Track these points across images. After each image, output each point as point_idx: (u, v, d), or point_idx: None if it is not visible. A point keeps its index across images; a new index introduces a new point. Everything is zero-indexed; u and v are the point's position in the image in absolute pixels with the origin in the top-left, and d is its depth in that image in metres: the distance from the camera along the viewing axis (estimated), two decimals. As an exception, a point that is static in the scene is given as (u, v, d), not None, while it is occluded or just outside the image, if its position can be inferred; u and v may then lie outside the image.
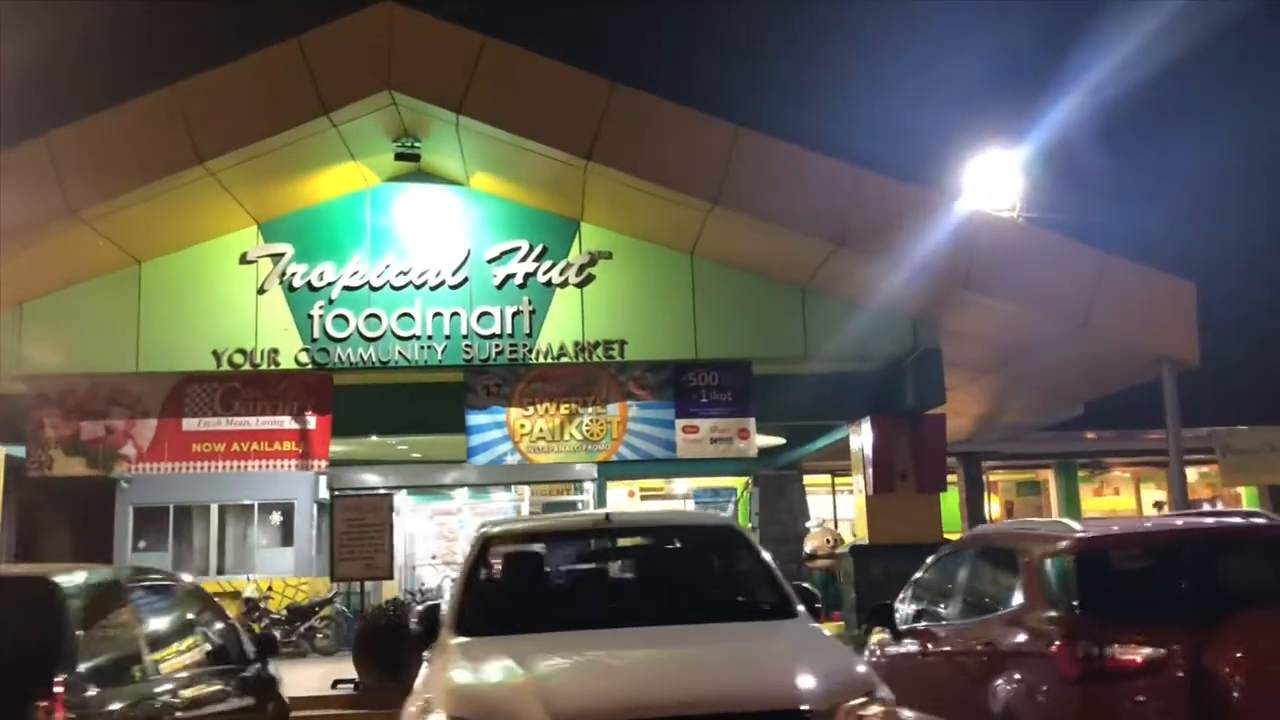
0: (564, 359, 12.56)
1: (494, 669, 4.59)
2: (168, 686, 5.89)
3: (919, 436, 13.40)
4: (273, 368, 12.33)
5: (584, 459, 13.04)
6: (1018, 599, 6.26)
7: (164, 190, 11.26)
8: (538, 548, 6.08)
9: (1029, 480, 22.92)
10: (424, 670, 5.16)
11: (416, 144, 11.96)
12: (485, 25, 11.64)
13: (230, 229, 12.45)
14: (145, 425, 12.43)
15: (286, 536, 19.15)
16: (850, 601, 13.49)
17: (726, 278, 12.75)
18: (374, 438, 15.32)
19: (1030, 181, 18.03)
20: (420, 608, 5.69)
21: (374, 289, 12.49)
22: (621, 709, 4.14)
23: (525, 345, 12.55)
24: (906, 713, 5.83)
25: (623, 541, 6.26)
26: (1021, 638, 6.05)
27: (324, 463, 12.60)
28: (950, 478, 21.49)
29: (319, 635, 16.93)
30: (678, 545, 6.22)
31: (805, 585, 6.00)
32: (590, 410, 12.82)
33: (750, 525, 20.89)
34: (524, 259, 12.63)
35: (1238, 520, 6.47)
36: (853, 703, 4.30)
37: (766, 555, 5.90)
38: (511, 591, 5.82)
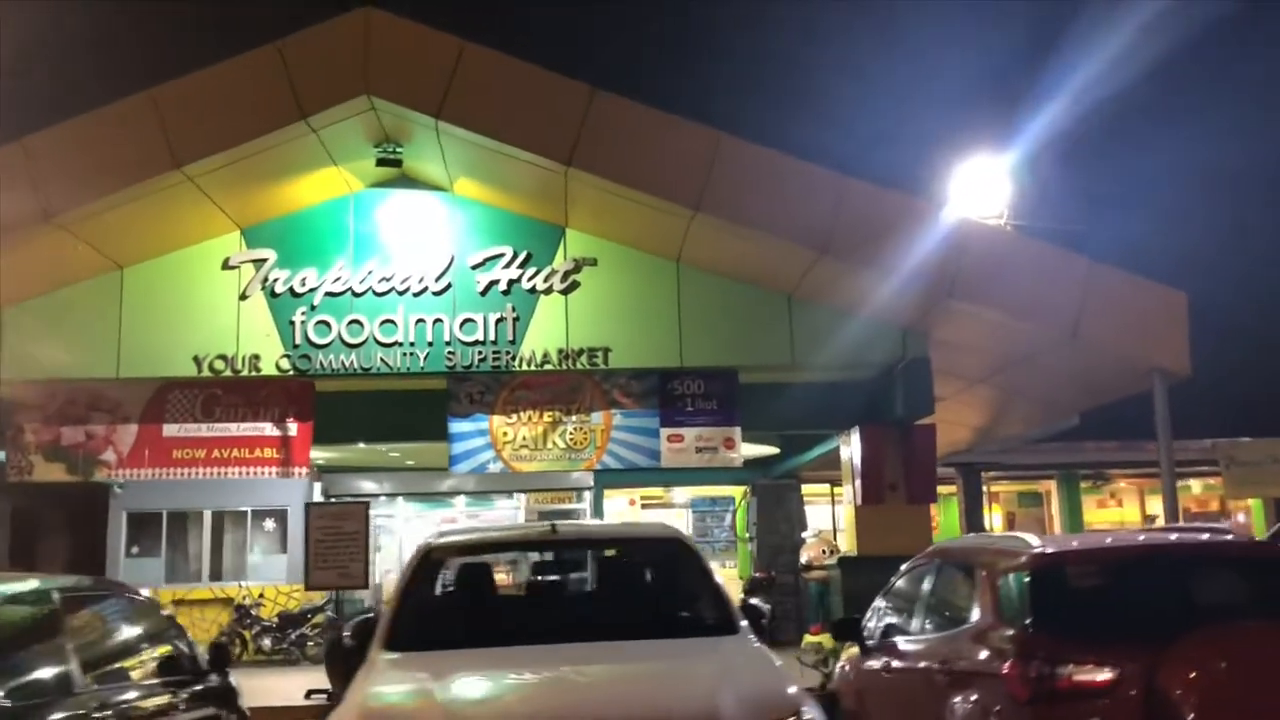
0: (547, 366, 12.45)
1: (408, 688, 4.48)
2: (106, 701, 5.77)
3: (909, 447, 13.23)
4: (254, 374, 12.27)
5: (567, 467, 12.92)
6: (975, 616, 6.09)
7: (142, 195, 11.21)
8: (480, 560, 5.96)
9: (1031, 491, 22.68)
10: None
11: (398, 149, 11.88)
12: (466, 30, 11.57)
13: (213, 234, 12.40)
14: (126, 431, 12.38)
15: (280, 543, 19.05)
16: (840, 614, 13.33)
17: (712, 285, 12.62)
18: (361, 444, 15.23)
19: (1018, 188, 17.86)
20: (354, 621, 5.56)
21: (356, 295, 12.41)
22: None
23: (509, 352, 12.44)
24: None
25: (569, 554, 6.14)
26: (976, 656, 5.88)
27: (305, 469, 12.54)
28: (950, 489, 21.40)
29: (310, 643, 16.83)
30: (624, 558, 6.09)
31: (753, 601, 5.85)
32: (574, 418, 12.70)
33: (748, 535, 20.72)
34: (508, 265, 12.53)
35: (1200, 537, 6.29)
36: None
37: (713, 569, 5.76)
38: (449, 605, 5.71)
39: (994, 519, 22.16)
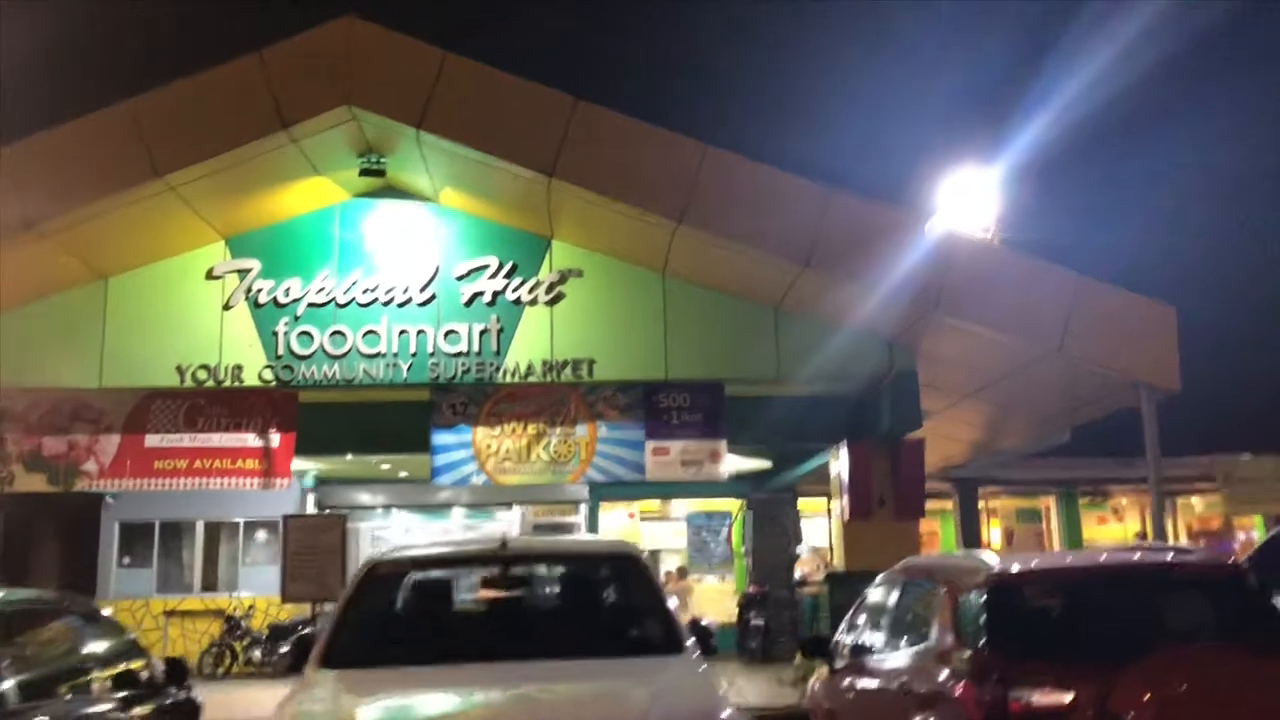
0: (531, 378, 12.37)
1: (331, 707, 4.38)
2: (45, 717, 5.69)
3: (897, 461, 13.10)
4: (236, 384, 12.22)
5: (551, 480, 12.82)
6: (933, 635, 5.99)
7: (124, 204, 11.19)
8: (426, 576, 5.86)
9: (1030, 507, 22.46)
10: None
11: (382, 160, 11.84)
12: (452, 41, 11.53)
13: (197, 244, 12.38)
14: (108, 441, 12.34)
15: (273, 555, 18.97)
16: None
17: (698, 297, 12.54)
18: (349, 456, 15.18)
19: (1006, 201, 17.72)
20: (294, 637, 5.47)
21: (340, 305, 12.36)
22: None
23: (493, 364, 12.37)
24: None
25: (518, 570, 6.03)
26: (935, 677, 5.77)
27: (287, 481, 12.47)
28: (946, 505, 21.23)
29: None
30: (573, 574, 5.98)
31: (702, 622, 5.75)
32: (558, 430, 12.61)
33: (744, 550, 20.58)
34: (493, 276, 12.47)
35: (1161, 555, 6.15)
36: None
37: (662, 586, 5.66)
38: (391, 622, 5.61)
39: (993, 535, 21.95)
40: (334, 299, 12.34)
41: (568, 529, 20.81)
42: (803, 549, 19.03)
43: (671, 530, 21.79)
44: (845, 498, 13.20)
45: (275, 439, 12.38)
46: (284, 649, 16.66)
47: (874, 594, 7.48)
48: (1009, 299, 11.40)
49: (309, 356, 12.25)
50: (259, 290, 12.32)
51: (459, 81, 11.18)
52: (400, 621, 5.66)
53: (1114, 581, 5.70)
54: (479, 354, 12.35)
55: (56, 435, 12.30)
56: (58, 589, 18.67)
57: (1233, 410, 18.22)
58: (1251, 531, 21.97)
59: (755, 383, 12.69)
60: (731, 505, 21.06)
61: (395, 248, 12.54)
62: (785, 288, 12.01)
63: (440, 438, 12.52)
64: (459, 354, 12.34)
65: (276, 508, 18.65)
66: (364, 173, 11.85)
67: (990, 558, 6.00)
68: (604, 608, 5.83)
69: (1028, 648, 5.40)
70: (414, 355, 12.31)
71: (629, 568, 5.88)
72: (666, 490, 19.85)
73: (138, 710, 6.69)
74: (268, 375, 12.24)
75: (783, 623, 17.80)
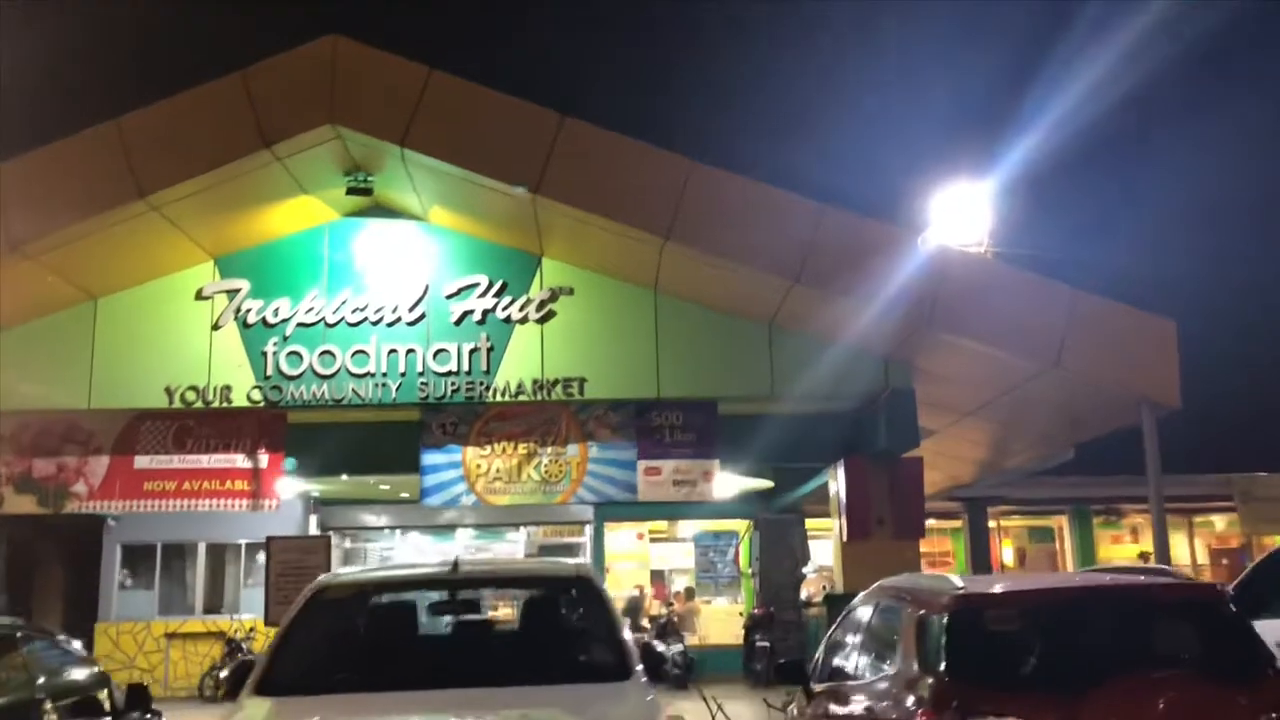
0: (521, 397, 12.24)
1: None
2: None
3: (896, 480, 12.85)
4: (225, 405, 12.14)
5: (541, 500, 12.65)
6: (899, 661, 5.78)
7: (108, 225, 11.17)
8: (373, 599, 5.72)
9: (1042, 526, 22.10)
10: None
11: (369, 178, 11.78)
12: (441, 56, 11.47)
13: (187, 264, 12.34)
14: (98, 462, 12.29)
15: (274, 576, 18.90)
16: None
17: (690, 314, 12.38)
18: (344, 476, 15.08)
19: (1000, 215, 17.49)
20: (234, 663, 5.32)
21: (329, 325, 12.28)
22: None
23: (482, 383, 12.25)
24: None
25: (470, 594, 5.87)
26: (900, 703, 5.55)
27: (275, 502, 12.36)
28: (955, 524, 20.93)
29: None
30: (525, 597, 5.83)
31: (654, 646, 5.57)
32: (549, 450, 12.46)
33: (751, 570, 20.35)
34: (483, 294, 12.36)
35: (1133, 579, 5.93)
36: None
37: (615, 610, 5.49)
38: (332, 647, 5.46)
39: (1005, 555, 21.61)
40: (323, 319, 12.26)
41: (573, 550, 20.65)
42: (809, 569, 18.78)
43: (680, 551, 21.59)
44: (843, 518, 12.97)
45: (264, 460, 12.30)
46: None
47: (849, 617, 7.27)
48: (1003, 314, 11.19)
49: (298, 377, 12.17)
50: (248, 310, 12.26)
51: (443, 98, 11.10)
52: (343, 647, 5.51)
53: (1083, 606, 5.46)
54: (469, 373, 12.23)
55: (46, 457, 12.27)
56: (62, 611, 18.69)
57: (1253, 428, 17.88)
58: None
59: (749, 401, 12.50)
60: (739, 525, 20.85)
61: (385, 267, 12.46)
62: (778, 304, 11.84)
63: (430, 458, 12.40)
64: (448, 373, 12.23)
65: (278, 529, 18.59)
66: (351, 191, 11.78)
67: (955, 580, 5.79)
68: (553, 632, 5.66)
69: (990, 675, 5.19)
70: (403, 375, 12.21)
71: (583, 591, 5.71)
72: (673, 510, 19.65)
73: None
74: (256, 396, 12.16)
75: (789, 644, 17.51)
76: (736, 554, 20.92)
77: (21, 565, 19.24)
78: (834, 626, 7.58)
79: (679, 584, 20.97)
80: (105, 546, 18.19)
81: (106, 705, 6.97)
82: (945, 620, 5.37)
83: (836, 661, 7.25)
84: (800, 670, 7.52)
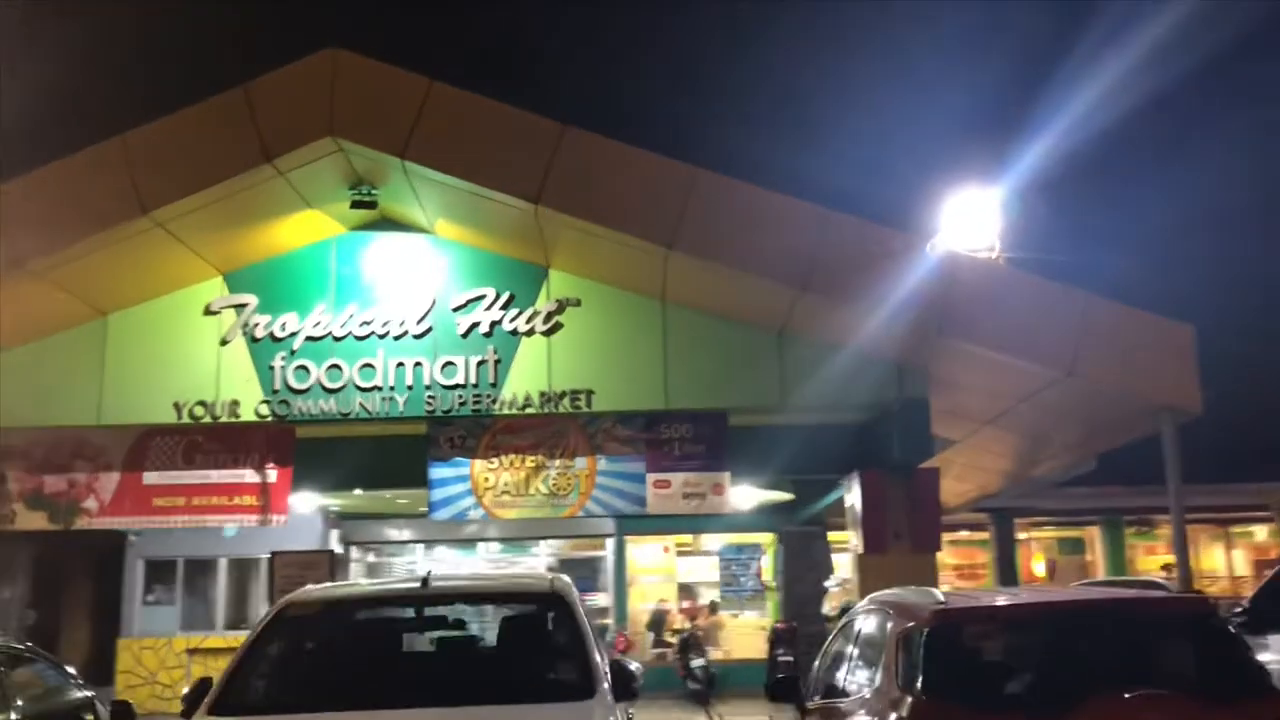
0: (529, 409, 12.13)
1: None
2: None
3: (913, 492, 12.58)
4: (233, 420, 12.13)
5: (549, 514, 12.53)
6: (880, 678, 5.59)
7: (114, 242, 11.20)
8: (340, 617, 5.61)
9: (1073, 537, 21.67)
10: None
11: (373, 191, 11.74)
12: (446, 67, 11.43)
13: (195, 280, 12.36)
14: (108, 478, 12.32)
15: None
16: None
17: (698, 324, 12.22)
18: (358, 490, 15.05)
19: (1011, 220, 17.14)
20: (192, 682, 5.23)
21: (336, 339, 12.24)
22: None
23: (489, 395, 12.15)
24: None
25: (438, 610, 5.75)
26: (878, 721, 5.37)
27: (284, 517, 12.32)
28: (983, 535, 20.58)
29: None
30: (495, 614, 5.71)
31: (627, 663, 5.41)
32: (557, 463, 12.34)
33: (776, 584, 20.11)
34: (490, 307, 12.28)
35: (1120, 593, 5.69)
36: None
37: (586, 626, 5.34)
38: (293, 666, 5.36)
39: (1037, 567, 21.21)
40: (330, 333, 12.23)
41: (595, 564, 20.51)
42: (831, 582, 18.52)
43: (707, 564, 21.36)
44: (859, 531, 12.73)
45: (272, 475, 12.27)
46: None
47: (841, 632, 7.08)
48: (1015, 320, 10.93)
49: (305, 391, 12.14)
50: (255, 325, 12.25)
51: (443, 110, 11.05)
52: (305, 665, 5.42)
53: (1067, 622, 5.26)
54: (475, 386, 12.15)
55: (57, 473, 12.31)
56: (88, 627, 18.76)
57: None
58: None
59: (759, 411, 12.32)
60: (763, 538, 20.62)
61: (391, 280, 12.41)
62: (786, 313, 11.66)
63: (437, 471, 12.32)
64: (455, 386, 12.15)
65: (299, 544, 18.61)
66: (355, 205, 11.75)
67: (937, 594, 5.59)
68: (521, 650, 5.53)
69: (969, 693, 5.00)
70: (410, 388, 12.14)
71: (555, 606, 5.58)
72: (697, 524, 19.45)
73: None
74: (264, 410, 12.14)
75: (813, 659, 17.25)
76: (760, 567, 20.68)
77: (48, 582, 19.38)
78: (827, 642, 7.40)
79: (705, 598, 20.76)
80: (127, 562, 18.27)
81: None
82: (924, 636, 5.19)
83: (830, 678, 7.06)
84: (793, 688, 7.35)
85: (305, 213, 11.99)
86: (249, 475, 12.31)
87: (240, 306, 12.34)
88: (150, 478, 12.31)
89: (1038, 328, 10.92)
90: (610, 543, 20.18)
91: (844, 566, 20.18)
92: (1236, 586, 20.53)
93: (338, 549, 19.37)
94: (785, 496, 17.69)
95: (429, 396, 12.13)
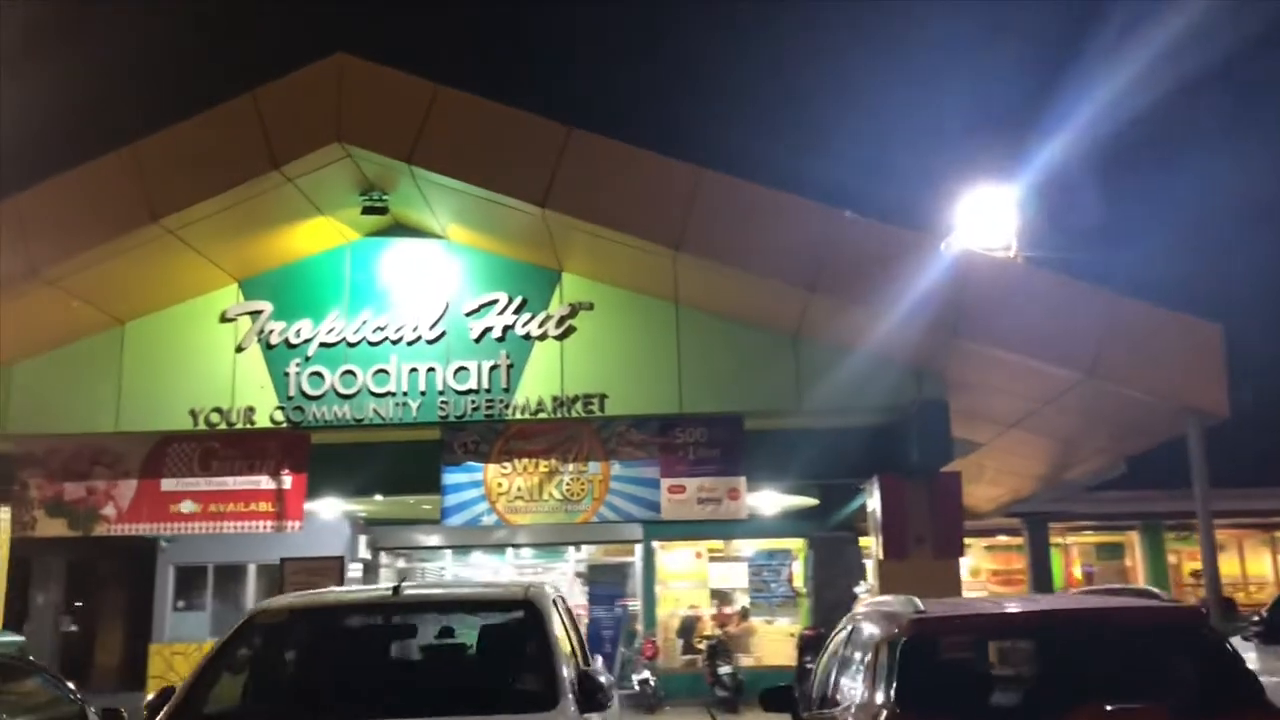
0: (541, 414, 12.03)
1: None
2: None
3: (934, 497, 12.32)
4: (248, 426, 12.16)
5: (563, 520, 12.41)
6: (860, 689, 5.41)
7: (126, 250, 11.26)
8: (307, 626, 5.53)
9: (1112, 542, 21.16)
10: None
11: (384, 197, 11.71)
12: (453, 71, 11.38)
13: (211, 288, 12.42)
14: (126, 485, 12.40)
15: (327, 597, 18.96)
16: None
17: (712, 327, 12.06)
18: (378, 496, 15.04)
19: (1028, 218, 16.70)
20: (150, 695, 5.15)
21: (350, 345, 12.24)
22: None
23: (502, 400, 12.08)
24: None
25: (408, 619, 5.65)
26: (859, 735, 5.20)
27: (299, 523, 12.32)
28: (1017, 540, 20.16)
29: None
30: (464, 623, 5.59)
31: (597, 673, 5.27)
32: (571, 468, 12.24)
33: (805, 590, 19.86)
34: (502, 311, 12.21)
35: (1107, 602, 5.46)
36: None
37: (555, 635, 5.21)
38: (256, 677, 5.28)
39: (1075, 571, 20.76)
40: (344, 339, 12.23)
41: (623, 570, 20.38)
42: (861, 589, 18.24)
43: (739, 570, 21.13)
44: (880, 536, 12.50)
45: (288, 481, 12.28)
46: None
47: (835, 640, 6.89)
48: (1033, 320, 10.66)
49: (320, 397, 12.14)
50: (270, 332, 12.28)
51: (449, 114, 11.00)
52: (269, 675, 5.34)
53: (1050, 632, 5.04)
54: (488, 391, 12.08)
55: (77, 480, 12.41)
56: (122, 633, 18.93)
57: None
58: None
59: (775, 415, 12.12)
60: (794, 544, 20.38)
61: (405, 286, 12.39)
62: (799, 315, 11.48)
63: (451, 477, 12.26)
64: (468, 391, 12.09)
65: (328, 549, 18.69)
66: (366, 211, 11.72)
67: (917, 603, 5.39)
68: (488, 659, 5.42)
69: (946, 706, 4.81)
70: (423, 394, 12.10)
71: (525, 614, 5.46)
72: (727, 529, 19.24)
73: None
74: (279, 417, 12.16)
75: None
76: (792, 573, 20.43)
77: (82, 588, 19.65)
78: (821, 651, 7.21)
79: (738, 604, 20.55)
80: (158, 568, 18.44)
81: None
82: (900, 646, 5.01)
83: (824, 689, 6.88)
84: (788, 698, 7.16)
85: (317, 219, 12.00)
86: (265, 482, 12.32)
87: (255, 313, 12.38)
88: (168, 484, 12.38)
89: (1057, 328, 10.63)
90: (639, 548, 20.00)
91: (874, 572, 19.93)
92: (1282, 592, 19.99)
93: (366, 555, 19.43)
94: (810, 502, 17.46)
95: (442, 402, 12.08)
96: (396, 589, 5.51)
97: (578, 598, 20.68)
